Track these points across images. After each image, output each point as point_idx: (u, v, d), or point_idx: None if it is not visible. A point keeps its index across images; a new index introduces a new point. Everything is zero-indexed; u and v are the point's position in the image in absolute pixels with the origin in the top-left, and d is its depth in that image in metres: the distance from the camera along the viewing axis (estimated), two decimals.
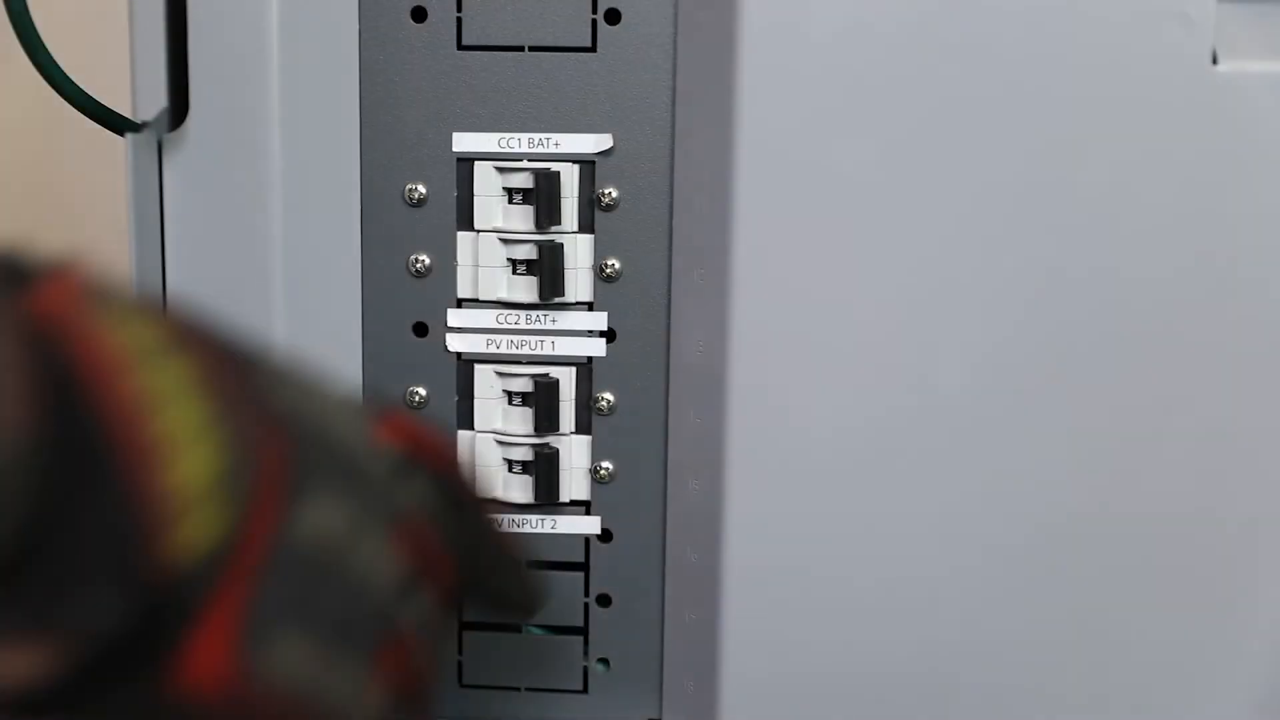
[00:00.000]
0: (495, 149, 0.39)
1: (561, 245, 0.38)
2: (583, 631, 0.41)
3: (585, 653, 0.41)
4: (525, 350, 0.40)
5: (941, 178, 0.36)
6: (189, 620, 0.21)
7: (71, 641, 0.20)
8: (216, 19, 0.36)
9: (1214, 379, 0.37)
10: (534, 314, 0.39)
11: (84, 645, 0.20)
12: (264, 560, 0.22)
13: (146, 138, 0.37)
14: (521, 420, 0.40)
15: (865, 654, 0.39)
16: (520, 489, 0.40)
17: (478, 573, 0.29)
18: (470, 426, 0.40)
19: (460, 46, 0.38)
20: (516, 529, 0.40)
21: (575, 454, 0.40)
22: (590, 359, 0.40)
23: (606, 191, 0.39)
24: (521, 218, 0.39)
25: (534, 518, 0.40)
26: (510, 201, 0.39)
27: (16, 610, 0.20)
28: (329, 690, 0.23)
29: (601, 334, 0.39)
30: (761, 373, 0.37)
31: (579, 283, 0.39)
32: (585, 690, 0.42)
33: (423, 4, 0.38)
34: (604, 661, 0.41)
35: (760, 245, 0.37)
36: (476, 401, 0.40)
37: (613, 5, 0.38)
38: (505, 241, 0.39)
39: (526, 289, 0.39)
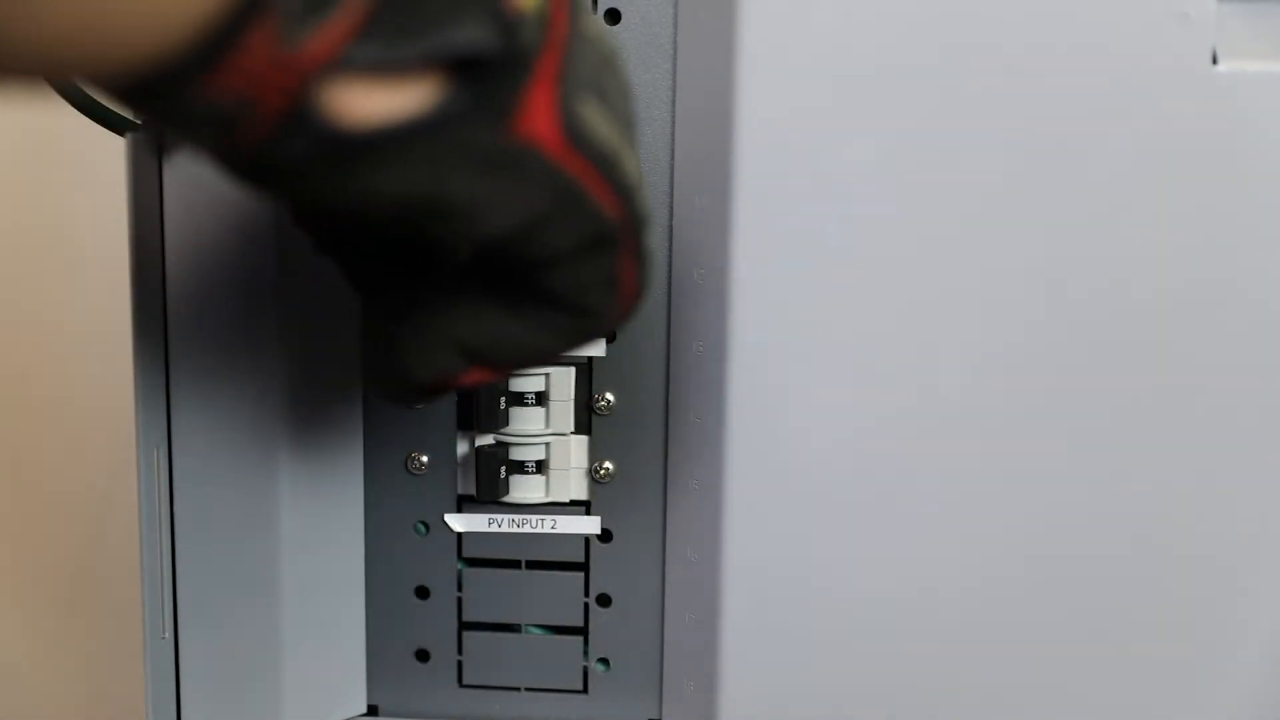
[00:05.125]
0: None
1: None
2: (583, 631, 0.41)
3: (585, 653, 0.41)
4: None
5: (941, 178, 0.36)
6: (528, 74, 0.25)
7: (447, 70, 0.24)
8: None
9: (1214, 379, 0.37)
10: None
11: (456, 75, 0.24)
12: (567, 38, 0.26)
13: (146, 138, 0.37)
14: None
15: (865, 654, 0.39)
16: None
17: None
18: (470, 427, 0.40)
19: None
20: (518, 528, 0.41)
21: (575, 454, 0.40)
22: (590, 359, 0.40)
23: None
24: None
25: (534, 518, 0.40)
26: None
27: (405, 42, 0.23)
28: (625, 162, 0.27)
29: None
30: (761, 373, 0.37)
31: None
32: (585, 690, 0.42)
33: None
34: (604, 661, 0.41)
35: (760, 245, 0.37)
36: None
37: (613, 5, 0.38)
38: None
39: None
